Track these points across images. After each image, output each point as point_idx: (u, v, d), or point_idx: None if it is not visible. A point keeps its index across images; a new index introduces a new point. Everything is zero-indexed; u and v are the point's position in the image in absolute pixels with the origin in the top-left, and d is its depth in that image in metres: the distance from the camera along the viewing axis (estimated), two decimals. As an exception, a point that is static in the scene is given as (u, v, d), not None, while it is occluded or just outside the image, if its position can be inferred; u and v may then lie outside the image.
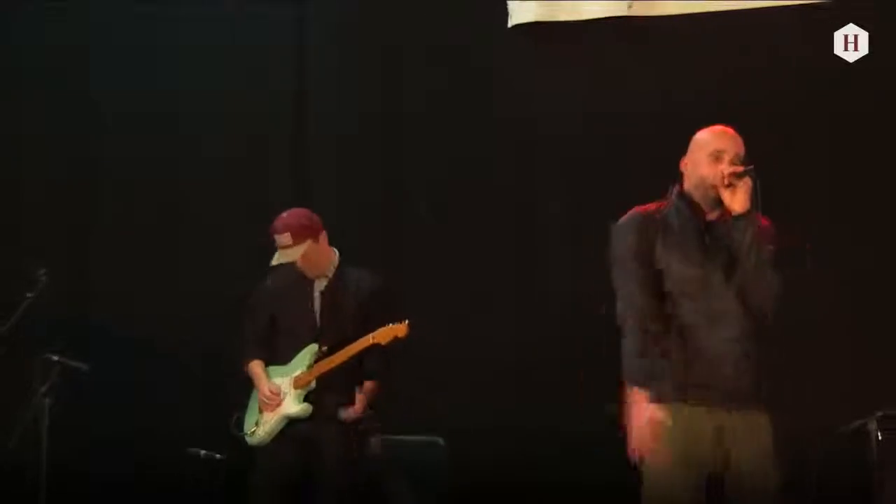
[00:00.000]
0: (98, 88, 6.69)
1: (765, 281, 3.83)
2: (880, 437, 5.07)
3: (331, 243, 5.31)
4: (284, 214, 5.23)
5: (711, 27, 6.06)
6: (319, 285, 5.28)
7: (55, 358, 5.67)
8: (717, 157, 3.86)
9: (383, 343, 5.07)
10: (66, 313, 6.28)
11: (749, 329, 3.87)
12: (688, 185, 3.95)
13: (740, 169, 3.80)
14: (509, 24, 6.32)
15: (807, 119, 5.93)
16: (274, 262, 5.20)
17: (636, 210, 4.00)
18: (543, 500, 5.86)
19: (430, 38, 6.47)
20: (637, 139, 6.01)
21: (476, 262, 6.28)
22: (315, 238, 5.19)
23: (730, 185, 3.79)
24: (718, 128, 3.97)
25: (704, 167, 3.88)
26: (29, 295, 5.67)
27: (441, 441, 5.78)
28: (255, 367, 5.29)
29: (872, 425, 5.10)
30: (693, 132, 3.96)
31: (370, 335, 5.09)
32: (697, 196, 3.91)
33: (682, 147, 3.99)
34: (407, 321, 5.06)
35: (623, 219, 4.00)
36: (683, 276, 3.87)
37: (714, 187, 3.83)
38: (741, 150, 3.88)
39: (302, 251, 5.15)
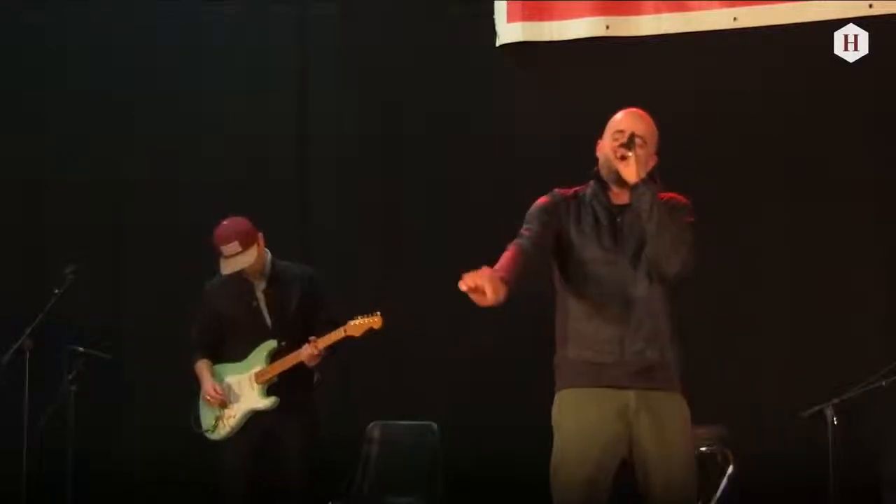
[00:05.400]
0: (98, 89, 6.75)
1: (667, 242, 3.72)
2: (836, 423, 5.15)
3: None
4: (225, 223, 5.15)
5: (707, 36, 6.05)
6: (260, 285, 5.25)
7: (81, 349, 5.90)
8: (617, 135, 3.83)
9: (357, 336, 5.03)
10: (91, 308, 6.44)
11: (659, 310, 3.81)
12: (600, 166, 3.93)
13: (624, 140, 3.79)
14: (497, 44, 6.33)
15: (805, 120, 5.92)
16: (225, 271, 5.13)
17: (555, 190, 3.98)
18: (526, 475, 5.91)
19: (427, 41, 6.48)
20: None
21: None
22: (258, 241, 5.17)
23: (623, 158, 3.78)
24: (626, 109, 3.92)
25: (606, 147, 3.87)
26: (56, 291, 5.81)
27: (435, 426, 5.98)
28: (200, 367, 5.29)
29: (829, 411, 5.17)
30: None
31: (342, 329, 5.04)
32: (605, 176, 3.89)
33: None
34: (379, 313, 5.01)
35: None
36: (593, 256, 3.83)
37: (613, 163, 3.82)
38: (641, 128, 3.83)
39: (253, 257, 5.13)
